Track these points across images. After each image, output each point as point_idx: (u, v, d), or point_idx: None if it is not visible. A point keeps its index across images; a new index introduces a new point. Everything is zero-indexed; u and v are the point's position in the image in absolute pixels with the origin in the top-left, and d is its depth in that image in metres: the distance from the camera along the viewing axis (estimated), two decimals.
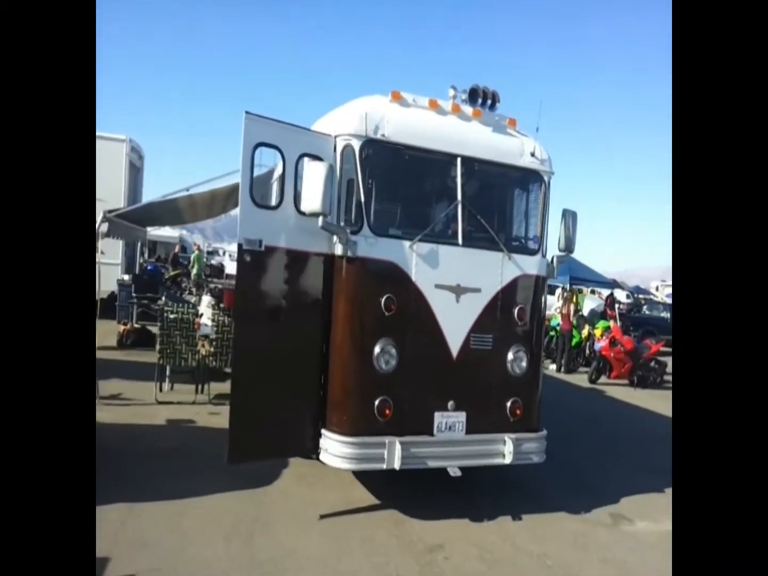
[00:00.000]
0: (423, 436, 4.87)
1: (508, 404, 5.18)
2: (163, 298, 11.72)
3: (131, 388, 8.06)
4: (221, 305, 10.42)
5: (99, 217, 7.03)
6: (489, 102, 5.08)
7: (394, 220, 5.03)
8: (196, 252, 19.08)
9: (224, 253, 36.73)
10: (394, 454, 4.69)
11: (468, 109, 5.11)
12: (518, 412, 5.19)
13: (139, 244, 14.83)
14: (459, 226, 4.93)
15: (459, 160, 4.95)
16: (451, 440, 4.96)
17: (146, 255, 17.32)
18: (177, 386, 8.23)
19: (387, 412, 4.74)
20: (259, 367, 4.53)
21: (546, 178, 5.36)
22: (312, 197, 4.31)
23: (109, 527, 4.27)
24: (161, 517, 4.54)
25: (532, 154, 5.23)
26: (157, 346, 7.65)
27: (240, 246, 4.35)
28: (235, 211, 12.12)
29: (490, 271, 5.05)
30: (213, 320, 8.65)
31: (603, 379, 12.59)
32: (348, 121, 4.75)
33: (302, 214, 4.56)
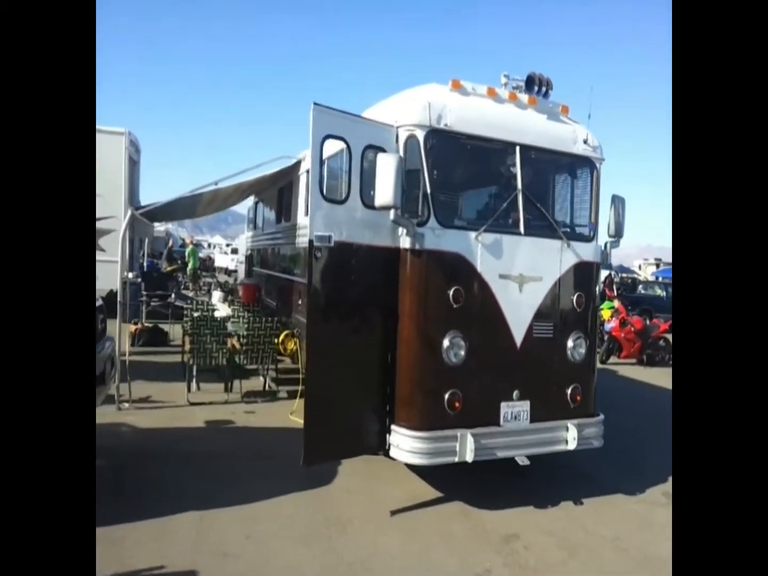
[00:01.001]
0: (490, 426, 4.86)
1: (569, 391, 5.20)
2: (173, 296, 11.55)
3: (158, 390, 7.89)
4: (237, 300, 10.32)
5: (127, 216, 6.82)
6: (544, 89, 5.05)
7: (458, 210, 4.98)
8: (191, 246, 18.76)
9: (210, 245, 36.20)
10: (466, 446, 4.67)
11: (524, 97, 5.07)
12: (578, 398, 5.22)
13: (146, 240, 14.38)
14: (520, 215, 4.91)
15: (518, 148, 4.92)
16: (517, 429, 4.97)
17: (145, 250, 16.74)
18: (203, 385, 8.08)
19: (457, 404, 4.72)
20: (331, 367, 4.47)
21: (598, 165, 5.37)
22: (384, 190, 4.24)
23: (186, 537, 4.19)
24: (234, 524, 4.44)
25: (585, 141, 5.22)
26: (187, 346, 7.51)
27: (311, 242, 4.26)
28: (244, 203, 11.90)
29: (550, 259, 5.05)
30: (234, 316, 8.54)
31: (612, 359, 12.75)
32: (411, 111, 4.66)
33: (368, 207, 4.51)
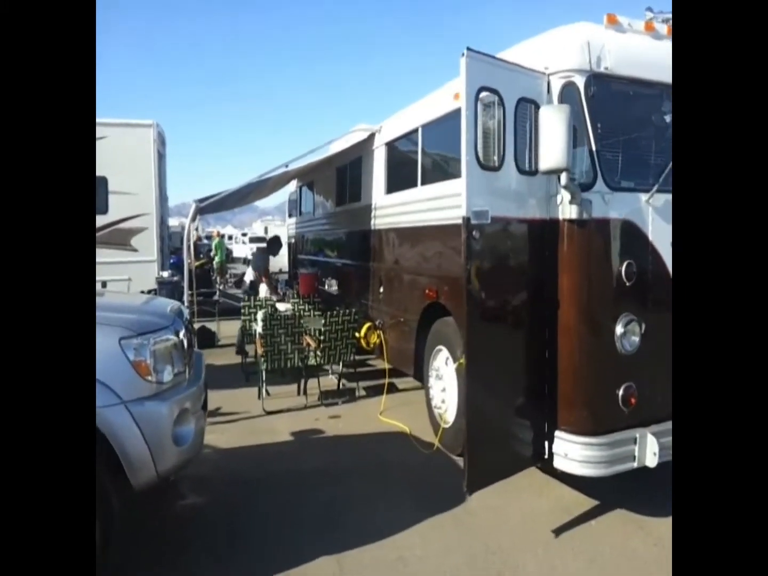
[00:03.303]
0: (665, 422, 4.13)
1: None
2: (217, 294, 10.79)
3: (225, 399, 7.11)
4: (292, 292, 9.57)
5: (192, 209, 6.05)
6: None
7: (623, 169, 4.19)
8: (218, 239, 17.97)
9: (225, 236, 35.61)
10: (646, 448, 3.97)
11: None
12: None
13: (168, 236, 13.39)
14: None
15: None
16: None
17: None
18: (270, 389, 7.31)
19: (632, 400, 3.99)
20: (492, 371, 3.75)
21: None
22: (553, 151, 3.47)
23: None
24: (382, 568, 3.67)
25: None
26: (259, 349, 6.76)
27: (467, 220, 3.48)
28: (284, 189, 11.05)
29: None
30: (295, 309, 7.83)
31: None
32: (566, 53, 3.88)
33: (523, 173, 3.76)
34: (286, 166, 5.94)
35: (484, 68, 3.49)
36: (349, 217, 8.07)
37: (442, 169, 5.65)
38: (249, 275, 9.71)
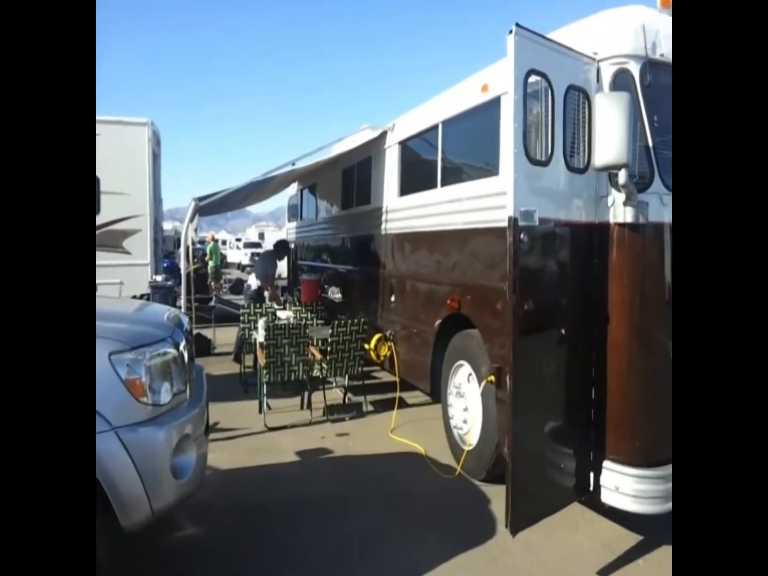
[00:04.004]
0: None
1: None
2: (213, 300, 10.32)
3: (223, 413, 6.61)
4: (294, 299, 9.12)
5: (191, 207, 5.59)
6: None
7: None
8: (212, 243, 17.52)
9: (222, 242, 35.60)
10: None
11: None
12: None
13: (162, 240, 12.91)
14: None
15: None
16: None
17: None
18: (270, 401, 6.85)
19: None
20: (537, 394, 3.32)
21: None
22: (611, 145, 3.10)
23: None
24: None
25: None
26: (262, 360, 6.30)
27: (514, 221, 3.04)
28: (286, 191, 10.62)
29: None
30: (297, 317, 7.38)
31: None
32: (619, 37, 3.49)
33: (573, 170, 3.34)
34: (293, 164, 5.53)
35: (533, 48, 3.06)
36: (357, 221, 7.60)
37: (466, 169, 5.21)
38: (253, 280, 9.25)
